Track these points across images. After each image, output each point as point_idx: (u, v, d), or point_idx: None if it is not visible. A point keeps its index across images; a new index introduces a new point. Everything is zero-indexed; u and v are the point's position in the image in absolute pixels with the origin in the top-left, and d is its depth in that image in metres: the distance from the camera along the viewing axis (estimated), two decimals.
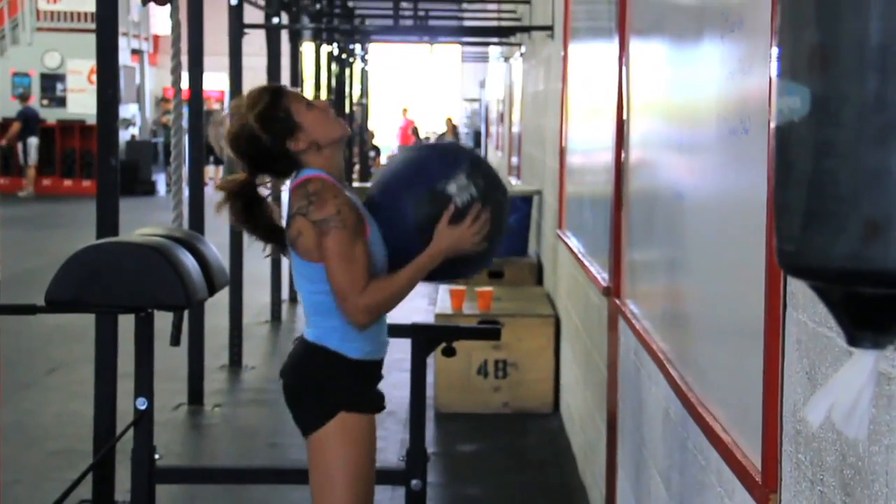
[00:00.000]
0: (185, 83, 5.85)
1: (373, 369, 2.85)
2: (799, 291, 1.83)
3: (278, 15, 9.24)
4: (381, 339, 2.87)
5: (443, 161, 2.90)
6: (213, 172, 21.11)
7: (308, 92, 13.79)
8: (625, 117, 3.87)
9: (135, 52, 22.69)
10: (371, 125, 23.63)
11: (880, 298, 0.93)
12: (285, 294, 9.52)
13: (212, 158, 20.95)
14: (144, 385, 3.83)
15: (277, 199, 2.99)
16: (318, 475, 2.82)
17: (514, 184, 10.93)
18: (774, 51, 0.98)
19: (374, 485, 2.89)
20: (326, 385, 2.81)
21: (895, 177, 0.88)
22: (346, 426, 2.78)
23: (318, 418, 2.80)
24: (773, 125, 0.97)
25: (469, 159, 2.92)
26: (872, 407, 1.41)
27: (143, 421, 3.82)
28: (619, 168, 3.92)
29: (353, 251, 2.68)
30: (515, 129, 11.57)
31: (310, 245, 2.73)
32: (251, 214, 2.89)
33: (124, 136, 20.62)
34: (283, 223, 2.86)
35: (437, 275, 2.92)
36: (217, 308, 7.46)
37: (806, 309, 1.79)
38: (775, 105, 0.97)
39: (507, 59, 13.54)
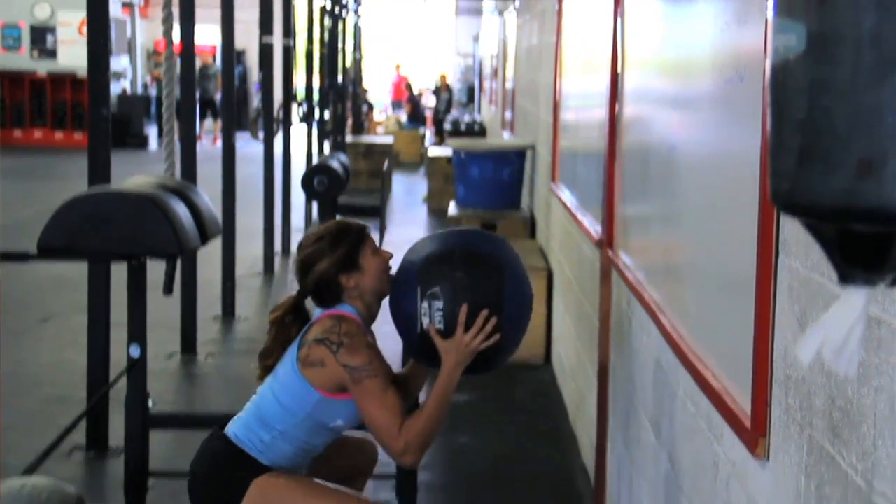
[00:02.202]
0: (176, 36, 5.82)
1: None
2: (791, 238, 1.85)
3: None
4: (296, 468, 2.92)
5: (402, 291, 2.87)
6: (210, 126, 21.06)
7: (301, 47, 13.72)
8: (619, 70, 3.87)
9: (125, 4, 22.50)
10: (364, 81, 23.52)
11: (873, 236, 0.94)
12: (278, 246, 9.53)
13: (209, 112, 20.89)
14: (137, 332, 3.85)
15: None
16: None
17: (507, 138, 10.92)
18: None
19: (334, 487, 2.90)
20: (236, 480, 2.83)
21: (890, 115, 0.89)
22: (261, 486, 2.80)
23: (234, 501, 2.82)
24: (768, 64, 0.98)
25: (419, 271, 2.84)
26: (863, 348, 1.43)
27: (137, 368, 3.84)
28: (613, 121, 3.93)
29: (386, 398, 2.76)
30: (509, 83, 11.53)
31: (326, 379, 2.80)
32: (287, 326, 2.95)
33: (115, 89, 20.49)
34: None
35: (475, 371, 2.94)
36: (210, 260, 7.48)
37: (798, 255, 1.80)
38: (771, 43, 0.98)
39: (501, 12, 13.47)
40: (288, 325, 2.92)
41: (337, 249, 2.88)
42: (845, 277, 1.00)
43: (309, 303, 2.99)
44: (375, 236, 4.32)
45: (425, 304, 2.80)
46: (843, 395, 1.58)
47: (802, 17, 0.91)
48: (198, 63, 21.56)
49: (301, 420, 2.83)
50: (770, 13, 0.99)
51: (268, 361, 2.93)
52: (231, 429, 2.89)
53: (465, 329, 2.79)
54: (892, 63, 0.87)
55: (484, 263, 2.83)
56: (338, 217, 3.02)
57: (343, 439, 3.08)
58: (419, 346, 2.88)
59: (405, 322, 2.87)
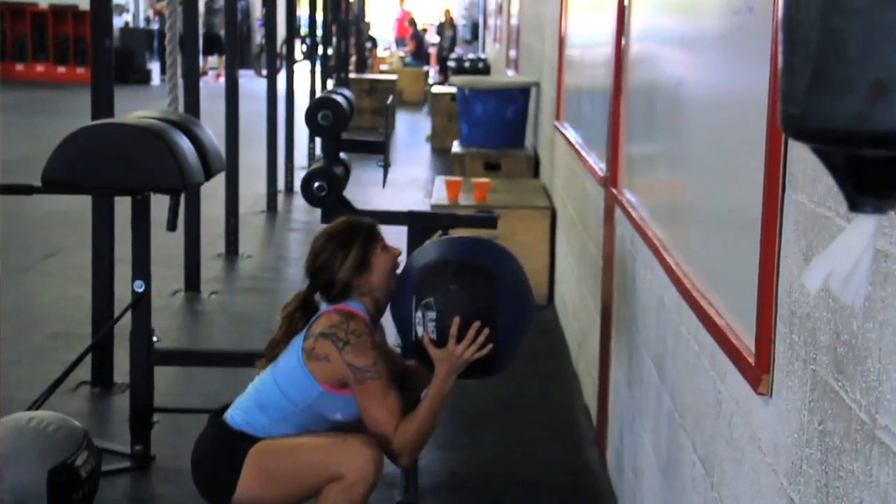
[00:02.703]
0: None
1: None
2: (798, 172, 1.83)
3: None
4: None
5: (399, 298, 2.92)
6: (214, 62, 20.91)
7: None
8: (625, 5, 3.82)
9: None
10: (368, 15, 23.31)
11: (884, 161, 0.92)
12: (281, 184, 9.50)
13: (213, 48, 20.71)
14: (142, 268, 3.85)
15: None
16: (290, 483, 2.82)
17: (511, 76, 10.84)
18: None
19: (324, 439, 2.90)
20: (234, 459, 2.85)
21: None
22: (254, 455, 2.82)
23: (230, 478, 2.82)
24: None
25: (416, 280, 2.88)
26: (870, 282, 1.42)
27: (141, 303, 3.84)
28: (619, 58, 3.89)
29: (387, 401, 2.81)
30: (514, 20, 11.42)
31: (330, 374, 2.82)
32: (296, 321, 2.97)
33: (118, 22, 20.34)
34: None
35: (470, 377, 2.98)
36: (213, 198, 7.46)
37: (805, 189, 1.79)
38: None
39: None
40: (297, 319, 2.96)
41: (349, 252, 2.91)
42: (855, 205, 0.98)
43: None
44: (379, 175, 4.29)
45: (419, 314, 2.87)
46: (848, 330, 1.57)
47: None
48: None
49: (301, 410, 2.87)
50: None
51: (275, 352, 2.96)
52: (230, 414, 2.93)
53: (456, 341, 2.84)
54: None
55: (479, 275, 2.88)
56: (344, 216, 3.07)
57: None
58: (415, 352, 2.95)
59: (402, 327, 2.95)
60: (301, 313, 2.96)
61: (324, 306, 2.94)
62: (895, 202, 0.96)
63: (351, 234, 2.94)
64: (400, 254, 3.02)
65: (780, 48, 0.99)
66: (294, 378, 2.86)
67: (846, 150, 0.93)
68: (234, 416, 2.91)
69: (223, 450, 2.87)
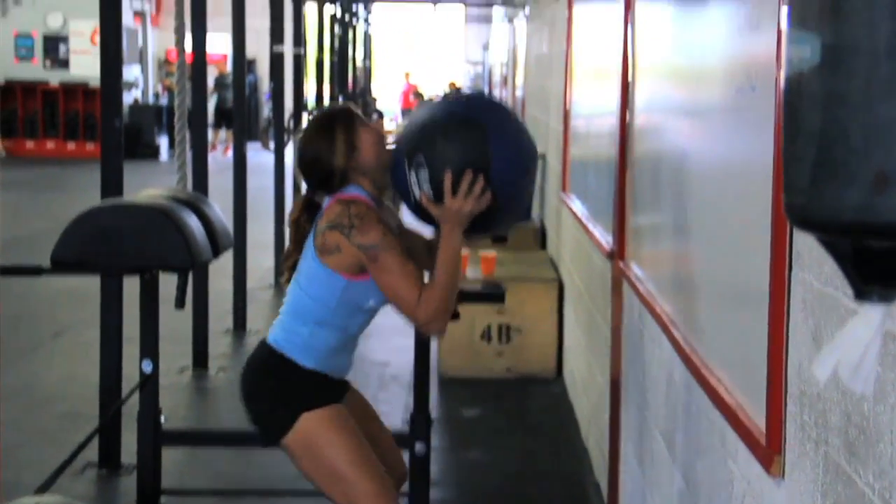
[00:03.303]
0: (188, 45, 5.82)
1: (328, 381, 2.92)
2: (805, 251, 1.82)
3: None
4: (339, 362, 2.95)
5: (393, 166, 2.89)
6: (224, 136, 21.07)
7: (311, 54, 13.74)
8: (630, 79, 3.84)
9: (137, 13, 22.59)
10: (374, 89, 23.53)
11: (889, 252, 0.91)
12: None
13: (223, 121, 20.87)
14: (149, 347, 3.84)
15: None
16: (319, 477, 2.88)
17: None
18: (784, 6, 0.96)
19: (372, 454, 2.91)
20: (282, 391, 2.88)
21: None
22: (313, 423, 2.85)
23: (281, 424, 2.87)
24: (782, 76, 0.96)
25: (404, 142, 2.85)
26: (879, 365, 1.40)
27: (149, 383, 3.82)
28: (624, 130, 3.90)
29: (404, 270, 2.80)
30: (519, 92, 11.51)
31: (346, 263, 2.82)
32: (303, 225, 2.99)
33: (127, 98, 20.55)
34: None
35: (478, 232, 2.94)
36: (221, 272, 7.46)
37: (811, 269, 1.78)
38: (785, 55, 0.95)
39: (511, 20, 13.46)
40: (304, 223, 2.96)
41: (333, 139, 2.89)
42: (861, 294, 0.98)
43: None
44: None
45: (413, 174, 2.80)
46: (859, 412, 1.55)
47: (817, 29, 0.89)
48: (215, 72, 21.58)
49: (334, 308, 2.85)
50: (784, 23, 0.97)
51: (288, 262, 2.97)
52: (271, 336, 2.92)
53: (452, 193, 2.78)
54: None
55: (468, 126, 2.79)
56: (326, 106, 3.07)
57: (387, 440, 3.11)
58: (420, 215, 2.89)
59: (403, 194, 2.88)
60: (306, 216, 2.95)
61: (326, 201, 2.91)
62: None
63: (329, 121, 2.93)
64: (381, 127, 3.01)
65: (783, 135, 0.99)
66: (316, 279, 2.85)
67: (851, 241, 0.92)
68: (276, 336, 2.90)
69: (266, 378, 2.88)
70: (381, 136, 2.96)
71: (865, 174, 0.88)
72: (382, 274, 2.78)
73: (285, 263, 3.00)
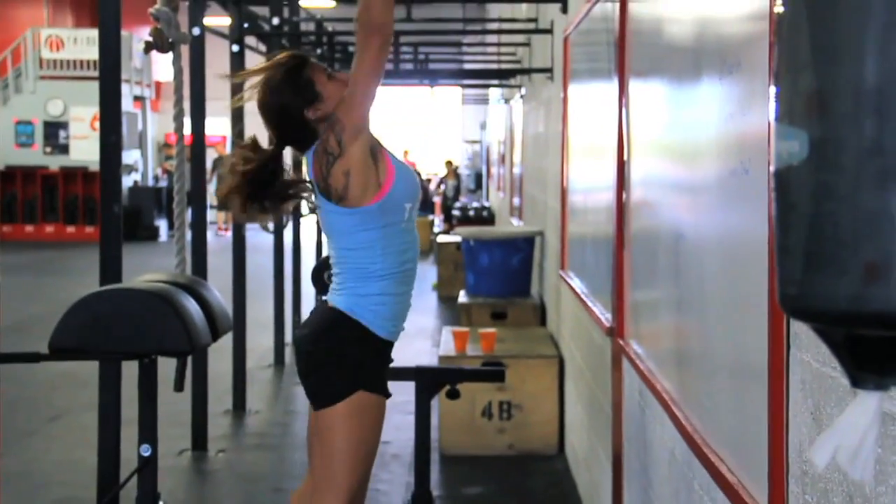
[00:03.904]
0: (187, 129, 5.88)
1: (389, 351, 2.93)
2: (802, 331, 1.83)
3: None
4: (404, 316, 2.95)
5: None
6: (225, 217, 21.15)
7: None
8: (625, 158, 3.89)
9: (137, 98, 22.83)
10: None
11: (882, 341, 0.93)
12: (288, 337, 9.51)
13: (217, 203, 20.98)
14: (148, 432, 3.82)
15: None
16: (321, 444, 2.85)
17: (515, 224, 10.95)
18: (773, 93, 0.99)
19: (371, 465, 2.91)
20: (350, 361, 2.84)
21: (894, 219, 0.88)
22: (362, 406, 2.83)
23: (338, 393, 2.83)
24: (772, 169, 0.98)
25: None
26: (878, 447, 1.41)
27: (147, 468, 3.80)
28: (621, 208, 3.94)
29: (341, 78, 2.85)
30: (517, 170, 11.60)
31: (359, 178, 2.78)
32: (265, 190, 2.94)
33: (127, 182, 20.70)
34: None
35: None
36: (220, 352, 7.45)
37: (810, 349, 1.79)
38: (774, 149, 0.98)
39: (507, 100, 13.61)
40: (268, 165, 2.91)
41: (290, 84, 2.86)
42: (856, 381, 0.99)
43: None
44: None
45: None
46: (861, 493, 1.55)
47: (804, 125, 0.92)
48: (214, 154, 21.74)
49: (383, 240, 2.82)
50: (771, 111, 1.00)
51: (225, 192, 2.94)
52: (340, 302, 2.87)
53: None
54: (895, 169, 0.87)
55: None
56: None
57: None
58: None
59: None
60: (272, 168, 2.91)
61: (307, 164, 2.87)
62: None
63: (284, 68, 2.89)
64: (348, 76, 2.92)
65: (774, 226, 1.01)
66: (343, 226, 2.82)
67: (844, 330, 0.93)
68: (347, 302, 2.86)
69: (330, 332, 2.85)
70: (346, 80, 2.91)
71: (856, 265, 0.90)
72: (347, 103, 2.76)
73: (225, 192, 2.96)
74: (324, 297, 2.97)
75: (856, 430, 0.98)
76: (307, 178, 2.92)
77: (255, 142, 2.99)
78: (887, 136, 0.87)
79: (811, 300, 0.94)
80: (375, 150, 2.82)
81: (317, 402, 2.88)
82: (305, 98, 2.86)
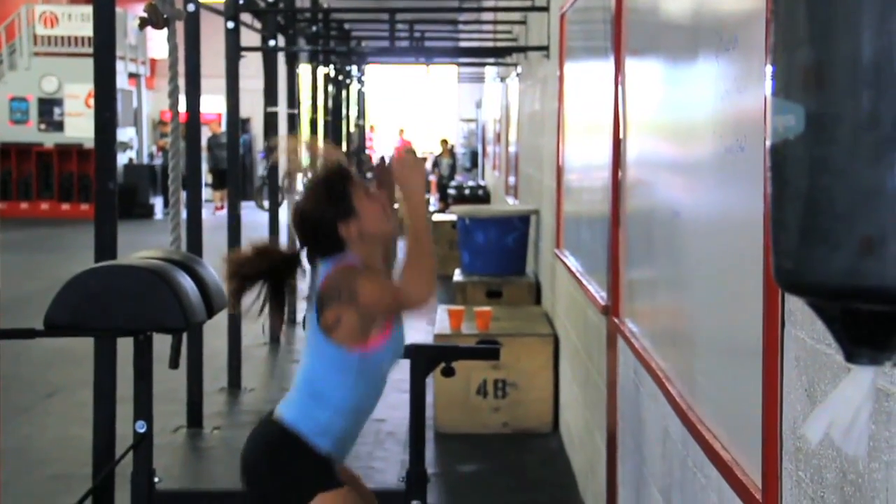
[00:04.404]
0: (182, 106, 5.86)
1: (335, 465, 2.89)
2: (797, 309, 1.84)
3: (275, 38, 9.27)
4: (350, 444, 2.92)
5: None
6: (210, 195, 21.11)
7: (305, 114, 13.84)
8: (621, 136, 3.88)
9: (132, 75, 22.74)
10: (368, 147, 23.65)
11: (877, 315, 0.93)
12: (284, 315, 9.49)
13: (211, 181, 20.95)
14: (143, 408, 3.82)
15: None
16: None
17: (511, 203, 10.95)
18: (769, 69, 0.99)
19: None
20: (298, 474, 2.82)
21: (890, 194, 0.88)
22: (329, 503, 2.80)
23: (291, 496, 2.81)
24: (768, 143, 0.98)
25: None
26: (871, 423, 1.41)
27: (143, 444, 3.81)
28: (617, 186, 3.93)
29: (374, 279, 2.80)
30: (512, 148, 11.59)
31: (350, 330, 2.78)
32: (279, 290, 2.94)
33: (122, 159, 20.65)
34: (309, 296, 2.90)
35: None
36: (216, 330, 7.45)
37: (804, 326, 1.79)
38: (770, 123, 0.97)
39: (503, 79, 13.59)
40: (280, 268, 2.90)
41: (329, 197, 2.85)
42: (851, 356, 0.99)
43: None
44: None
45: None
46: (855, 469, 1.55)
47: (801, 99, 0.91)
48: (209, 132, 21.66)
49: (353, 383, 2.81)
50: (768, 87, 0.99)
51: (242, 270, 2.90)
52: (286, 414, 2.83)
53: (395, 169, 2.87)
54: (890, 143, 0.87)
55: None
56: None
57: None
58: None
59: None
60: (287, 266, 2.90)
61: (321, 271, 2.85)
62: (891, 353, 0.96)
63: (331, 183, 2.87)
64: (385, 194, 2.93)
65: (770, 201, 1.01)
66: (331, 359, 2.80)
67: (839, 305, 0.93)
68: (292, 416, 2.82)
69: (279, 458, 2.81)
70: (384, 204, 2.91)
71: (851, 239, 0.90)
72: (366, 299, 2.74)
73: (236, 270, 2.92)
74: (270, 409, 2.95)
75: (849, 406, 0.99)
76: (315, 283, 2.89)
77: (265, 248, 2.97)
78: (884, 110, 0.86)
79: (806, 274, 0.94)
80: (368, 322, 2.81)
81: None
82: (341, 212, 2.85)
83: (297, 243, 2.94)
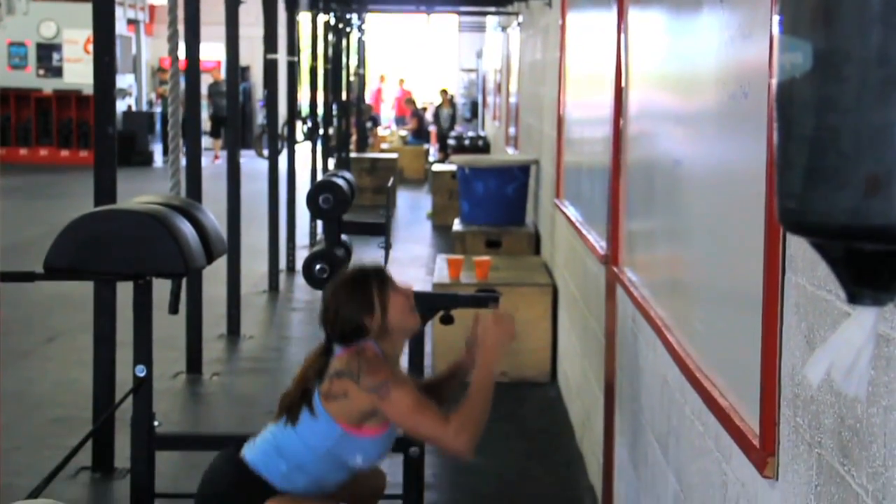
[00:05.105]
0: (181, 53, 5.82)
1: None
2: (798, 255, 1.84)
3: None
4: (322, 489, 2.93)
5: None
6: (210, 143, 21.06)
7: (305, 62, 13.77)
8: (623, 85, 3.86)
9: (131, 21, 22.57)
10: (368, 96, 23.53)
11: (881, 255, 0.93)
12: (283, 264, 9.52)
13: (222, 129, 20.87)
14: (143, 353, 3.84)
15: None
16: None
17: (511, 153, 10.92)
18: (775, 14, 0.98)
19: None
20: None
21: None
22: None
23: None
24: (774, 82, 0.97)
25: None
26: (872, 367, 1.42)
27: (143, 388, 3.82)
28: (618, 136, 3.92)
29: (419, 400, 2.82)
30: (513, 99, 11.53)
31: (349, 410, 2.82)
32: (313, 370, 2.95)
33: (121, 106, 20.54)
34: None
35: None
36: (215, 278, 7.47)
37: (805, 272, 1.79)
38: (776, 61, 0.97)
39: (504, 28, 13.49)
40: (313, 371, 2.92)
41: (361, 296, 2.91)
42: (854, 297, 0.99)
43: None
44: (381, 254, 4.31)
45: None
46: (853, 415, 1.56)
47: (809, 36, 0.91)
48: (209, 79, 21.53)
49: (321, 455, 2.85)
50: (775, 30, 0.98)
51: (284, 402, 2.94)
52: (248, 455, 2.90)
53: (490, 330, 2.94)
54: None
55: None
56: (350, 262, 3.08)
57: None
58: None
59: None
60: (319, 363, 2.93)
61: (337, 350, 2.91)
62: (894, 294, 0.96)
63: (365, 281, 2.93)
64: (412, 291, 3.02)
65: (775, 141, 1.00)
66: (312, 422, 2.84)
67: (843, 244, 0.93)
68: (254, 458, 2.88)
69: (238, 494, 2.86)
70: (410, 299, 2.98)
71: (857, 178, 0.89)
72: (398, 409, 2.79)
73: (281, 402, 2.95)
74: (236, 449, 2.96)
75: (851, 347, 0.99)
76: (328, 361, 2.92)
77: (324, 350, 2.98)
78: (892, 47, 0.86)
79: (811, 214, 0.93)
80: (374, 417, 2.83)
81: None
82: (369, 310, 2.90)
83: (326, 338, 2.96)
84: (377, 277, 2.95)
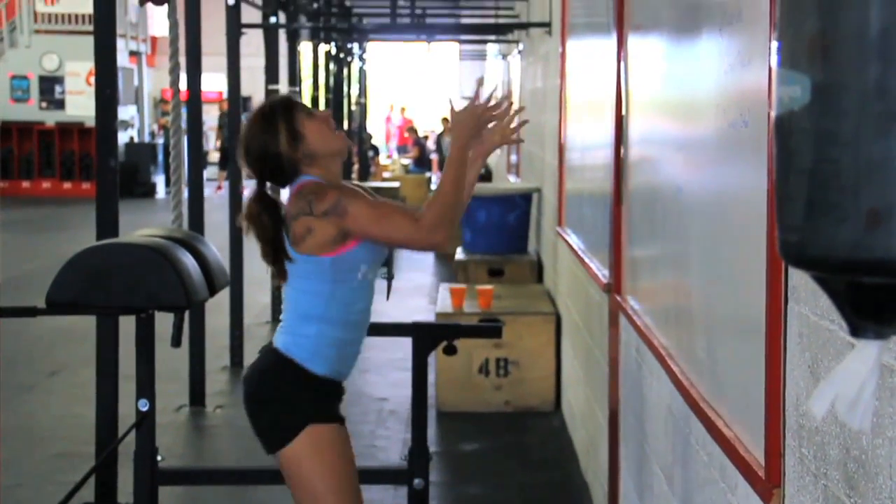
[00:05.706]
0: (183, 84, 5.84)
1: (336, 388, 2.90)
2: (800, 285, 1.83)
3: (276, 14, 9.23)
4: (348, 362, 2.92)
5: None
6: (215, 174, 21.10)
7: (307, 92, 13.82)
8: (624, 113, 3.86)
9: (133, 53, 22.68)
10: (369, 125, 23.60)
11: (883, 288, 0.92)
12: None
13: (219, 160, 20.93)
14: (146, 386, 3.82)
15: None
16: (301, 492, 2.85)
17: (512, 181, 10.93)
18: (774, 42, 0.97)
19: (358, 486, 2.89)
20: (292, 400, 2.84)
21: None
22: (316, 438, 2.81)
23: (286, 433, 2.82)
24: (773, 115, 0.96)
25: None
26: (876, 399, 1.41)
27: (145, 422, 3.81)
28: (619, 164, 3.92)
29: (379, 205, 2.81)
30: None
31: (321, 240, 2.79)
32: (275, 221, 2.90)
33: (123, 138, 20.61)
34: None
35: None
36: (218, 309, 7.46)
37: (808, 302, 1.78)
38: (775, 94, 0.96)
39: (504, 56, 13.54)
40: (259, 214, 2.88)
41: (275, 130, 2.88)
42: (856, 330, 0.98)
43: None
44: (383, 285, 4.29)
45: None
46: (858, 446, 1.55)
47: (807, 69, 0.90)
48: (217, 111, 21.56)
49: (331, 292, 2.81)
50: (773, 60, 0.98)
51: (268, 259, 2.90)
52: (279, 341, 2.87)
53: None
54: None
55: None
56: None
57: None
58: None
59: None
60: (266, 213, 2.88)
61: (284, 199, 2.89)
62: None
63: (270, 113, 2.92)
64: (329, 115, 2.97)
65: (775, 174, 1.00)
66: (303, 271, 2.82)
67: (845, 278, 0.92)
68: (283, 340, 2.86)
69: (273, 381, 2.84)
70: (327, 122, 2.93)
71: (858, 212, 0.89)
72: (364, 222, 2.76)
73: (266, 260, 2.92)
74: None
75: (855, 380, 0.98)
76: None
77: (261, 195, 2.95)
78: (891, 80, 0.85)
79: (812, 247, 0.93)
80: (346, 236, 2.81)
81: (269, 446, 2.88)
82: (283, 139, 2.88)
83: (256, 182, 2.93)
84: (283, 107, 2.92)
